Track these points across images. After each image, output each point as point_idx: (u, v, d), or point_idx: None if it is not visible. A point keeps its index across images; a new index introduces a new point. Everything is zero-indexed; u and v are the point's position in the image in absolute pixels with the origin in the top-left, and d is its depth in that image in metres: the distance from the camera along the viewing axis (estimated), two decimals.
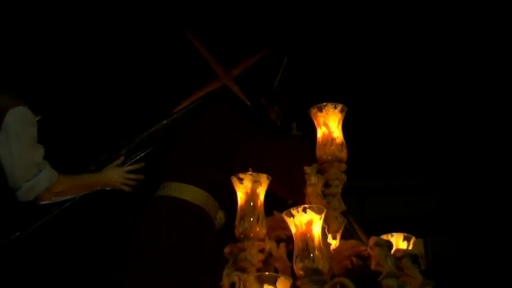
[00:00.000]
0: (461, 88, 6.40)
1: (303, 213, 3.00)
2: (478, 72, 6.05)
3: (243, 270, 3.13)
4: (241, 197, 3.25)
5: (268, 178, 3.27)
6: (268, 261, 3.23)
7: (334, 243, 3.32)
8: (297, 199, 3.52)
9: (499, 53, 5.77)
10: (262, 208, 3.24)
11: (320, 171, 3.42)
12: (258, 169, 3.31)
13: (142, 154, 4.07)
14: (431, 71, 6.07)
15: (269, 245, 3.25)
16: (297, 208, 3.02)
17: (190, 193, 3.82)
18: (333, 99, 3.54)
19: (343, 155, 3.44)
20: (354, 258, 3.18)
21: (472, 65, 5.89)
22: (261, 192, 3.25)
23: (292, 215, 3.02)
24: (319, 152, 3.46)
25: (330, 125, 3.45)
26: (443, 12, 5.48)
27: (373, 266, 3.09)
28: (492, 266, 13.93)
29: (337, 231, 3.36)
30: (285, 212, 3.07)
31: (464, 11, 5.36)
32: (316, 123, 3.49)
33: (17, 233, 4.04)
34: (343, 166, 3.44)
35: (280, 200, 3.57)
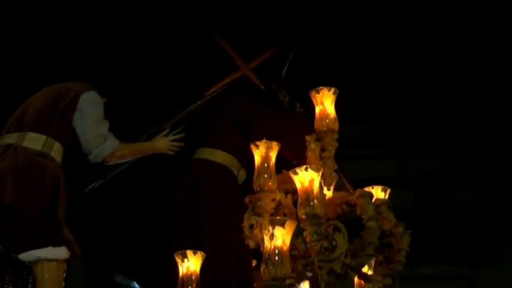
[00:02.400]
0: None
1: (305, 171, 2.98)
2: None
3: (259, 215, 3.14)
4: (257, 159, 3.23)
5: (278, 145, 3.25)
6: (278, 208, 3.22)
7: (328, 194, 3.29)
8: (300, 160, 3.49)
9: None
10: (273, 167, 3.22)
11: (318, 139, 3.39)
12: (270, 138, 3.28)
13: (183, 127, 4.08)
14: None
15: (279, 196, 3.24)
16: (300, 167, 3.01)
17: (219, 156, 3.89)
18: (328, 84, 3.49)
19: (336, 126, 3.40)
20: (344, 206, 3.16)
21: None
22: (273, 155, 3.23)
23: (296, 173, 3.00)
24: (317, 125, 3.42)
25: (325, 103, 3.40)
26: None
27: (358, 212, 3.06)
28: (438, 220, 13.99)
29: (331, 185, 3.35)
30: (291, 170, 3.05)
31: None
32: (314, 102, 3.44)
33: (89, 187, 4.06)
34: (336, 135, 3.41)
35: (288, 161, 3.54)
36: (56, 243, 3.29)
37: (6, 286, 3.75)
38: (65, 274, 3.35)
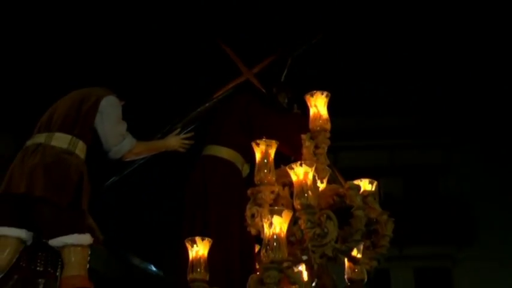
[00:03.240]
0: None
1: (300, 166, 3.00)
2: None
3: (260, 205, 3.16)
4: (258, 155, 3.25)
5: (276, 143, 3.26)
6: (277, 199, 3.22)
7: (321, 186, 3.30)
8: (297, 156, 3.48)
9: None
10: (272, 163, 3.23)
11: (312, 138, 3.38)
12: (270, 136, 3.30)
13: (192, 126, 4.06)
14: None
15: (277, 188, 3.25)
16: (296, 163, 3.03)
17: (225, 152, 3.90)
18: (324, 83, 3.52)
19: (328, 126, 3.39)
20: (334, 197, 3.17)
21: None
22: (272, 152, 3.24)
23: (292, 168, 3.02)
24: (311, 125, 3.41)
25: (318, 106, 3.40)
26: None
27: (347, 202, 3.08)
28: (425, 205, 13.86)
29: (323, 178, 3.34)
30: (288, 165, 3.07)
31: None
32: (309, 105, 3.44)
33: (110, 180, 4.08)
34: (328, 134, 3.40)
35: (286, 157, 3.54)
36: (81, 231, 3.31)
37: (38, 267, 3.80)
38: (89, 257, 3.40)
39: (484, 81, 12.71)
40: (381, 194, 3.44)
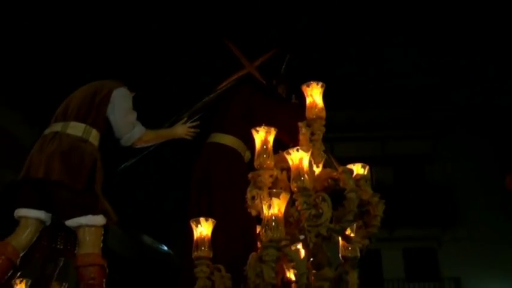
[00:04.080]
0: None
1: (297, 152, 2.92)
2: None
3: (259, 188, 3.10)
4: (258, 142, 3.18)
5: (275, 130, 3.20)
6: (275, 183, 3.16)
7: (317, 170, 3.23)
8: (294, 143, 3.40)
9: None
10: (271, 149, 3.17)
11: (308, 125, 3.31)
12: (270, 124, 3.23)
13: (198, 116, 3.99)
14: None
15: (276, 172, 3.19)
16: (293, 149, 2.94)
17: (228, 140, 3.85)
18: (316, 79, 3.42)
19: (323, 114, 3.31)
20: (329, 180, 3.10)
21: None
22: (271, 139, 3.18)
23: (289, 153, 2.94)
24: (307, 113, 3.33)
25: (314, 95, 3.32)
26: None
27: (341, 185, 3.00)
28: (413, 191, 13.78)
29: (319, 163, 3.27)
30: (285, 151, 2.98)
31: None
32: (305, 95, 3.36)
33: (122, 165, 4.02)
34: (323, 122, 3.32)
35: (283, 143, 3.46)
36: (95, 212, 3.29)
37: (58, 246, 3.76)
38: (102, 237, 3.35)
39: (466, 79, 12.66)
40: (373, 181, 3.35)
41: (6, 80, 8.82)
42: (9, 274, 3.33)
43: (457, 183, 14.52)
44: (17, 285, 3.97)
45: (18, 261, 3.31)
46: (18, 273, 3.76)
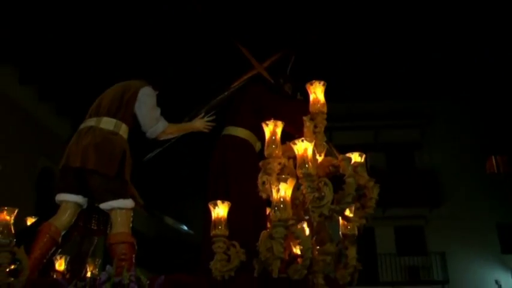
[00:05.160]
0: None
1: (302, 142, 2.93)
2: None
3: (269, 174, 3.09)
4: (267, 134, 3.18)
5: (282, 123, 3.19)
6: (283, 169, 3.15)
7: (319, 158, 3.22)
8: (299, 134, 3.39)
9: None
10: (279, 140, 3.17)
11: (311, 119, 3.29)
12: (277, 118, 3.22)
13: (214, 111, 3.98)
14: None
15: (283, 160, 3.17)
16: (298, 140, 2.95)
17: (241, 132, 3.84)
18: (322, 77, 3.40)
19: (325, 109, 3.30)
20: (330, 167, 3.10)
21: None
22: (279, 131, 3.18)
23: (295, 144, 2.95)
24: (311, 108, 3.32)
25: (317, 92, 3.31)
26: None
27: (341, 171, 3.01)
28: (403, 175, 13.65)
29: (321, 152, 3.26)
30: (291, 141, 2.99)
31: None
32: (309, 92, 3.35)
33: (148, 156, 4.04)
34: (325, 116, 3.30)
35: (290, 135, 3.46)
36: (125, 196, 3.32)
37: (93, 226, 3.79)
38: (132, 218, 3.38)
39: (450, 73, 12.54)
40: (367, 166, 3.35)
41: (41, 76, 8.81)
42: (52, 250, 3.38)
43: (442, 167, 14.44)
44: (57, 260, 4.02)
45: (60, 240, 3.37)
46: (60, 250, 3.81)
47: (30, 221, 4.08)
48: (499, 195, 13.02)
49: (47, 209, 3.65)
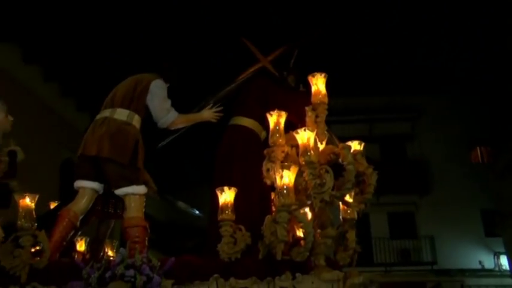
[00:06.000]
0: None
1: (304, 131, 2.85)
2: None
3: (273, 161, 3.02)
4: (271, 123, 3.09)
5: (285, 114, 3.10)
6: (286, 157, 3.07)
7: (321, 146, 3.12)
8: (302, 124, 3.28)
9: None
10: (283, 129, 3.08)
11: (313, 109, 3.18)
12: (281, 109, 3.12)
13: (222, 102, 3.86)
14: None
15: (287, 149, 3.09)
16: (301, 129, 2.88)
17: (247, 122, 3.73)
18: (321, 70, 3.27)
19: (326, 100, 3.18)
20: (331, 155, 2.99)
21: None
22: (282, 121, 3.08)
23: (298, 133, 2.87)
24: (313, 99, 3.21)
25: (318, 84, 3.19)
26: None
27: (341, 159, 2.91)
28: (396, 165, 13.42)
29: (323, 140, 3.16)
30: (294, 131, 2.91)
31: None
32: (311, 84, 3.23)
33: (161, 144, 3.94)
34: (326, 106, 3.18)
35: (293, 125, 3.34)
36: (138, 183, 3.25)
37: (110, 210, 3.73)
38: (144, 203, 3.30)
39: (439, 70, 12.40)
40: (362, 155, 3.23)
41: (62, 74, 8.80)
42: (71, 233, 3.33)
43: (431, 158, 14.37)
44: (78, 242, 3.97)
45: (78, 223, 3.32)
46: (79, 233, 3.75)
47: (53, 205, 4.01)
48: (482, 183, 12.91)
49: (69, 195, 3.58)
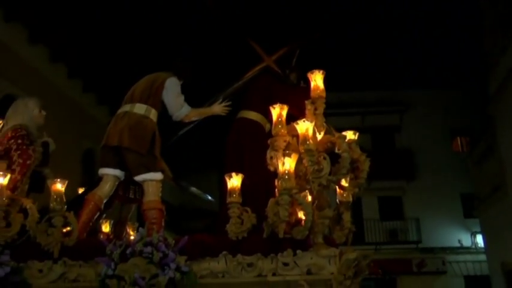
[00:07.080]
0: None
1: (304, 123, 2.83)
2: None
3: (276, 150, 3.00)
4: (274, 116, 3.06)
5: (287, 107, 3.07)
6: (288, 146, 3.03)
7: (319, 136, 3.09)
8: (302, 116, 3.25)
9: None
10: (284, 121, 3.05)
11: (312, 102, 3.15)
12: (284, 103, 3.09)
13: (230, 98, 3.83)
14: None
15: (288, 138, 3.06)
16: (301, 120, 2.85)
17: (253, 115, 3.73)
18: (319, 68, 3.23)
19: (324, 94, 3.14)
20: (329, 143, 2.97)
21: None
22: (284, 113, 3.06)
23: (298, 124, 2.85)
24: (312, 93, 3.17)
25: (317, 80, 3.15)
26: None
27: (337, 147, 2.88)
28: (385, 154, 13.30)
29: (321, 131, 3.13)
30: (295, 122, 2.88)
31: None
32: (310, 80, 3.20)
33: (175, 136, 3.94)
34: (324, 100, 3.14)
35: (294, 117, 3.31)
36: (155, 170, 3.24)
37: (130, 195, 3.74)
38: (161, 189, 3.31)
39: (424, 66, 12.30)
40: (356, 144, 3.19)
41: (84, 70, 8.81)
42: (97, 215, 3.34)
43: (417, 147, 14.33)
44: (103, 224, 3.99)
45: (102, 206, 3.33)
46: (104, 215, 3.77)
47: (81, 190, 4.04)
48: (462, 170, 12.90)
49: (92, 182, 3.58)
